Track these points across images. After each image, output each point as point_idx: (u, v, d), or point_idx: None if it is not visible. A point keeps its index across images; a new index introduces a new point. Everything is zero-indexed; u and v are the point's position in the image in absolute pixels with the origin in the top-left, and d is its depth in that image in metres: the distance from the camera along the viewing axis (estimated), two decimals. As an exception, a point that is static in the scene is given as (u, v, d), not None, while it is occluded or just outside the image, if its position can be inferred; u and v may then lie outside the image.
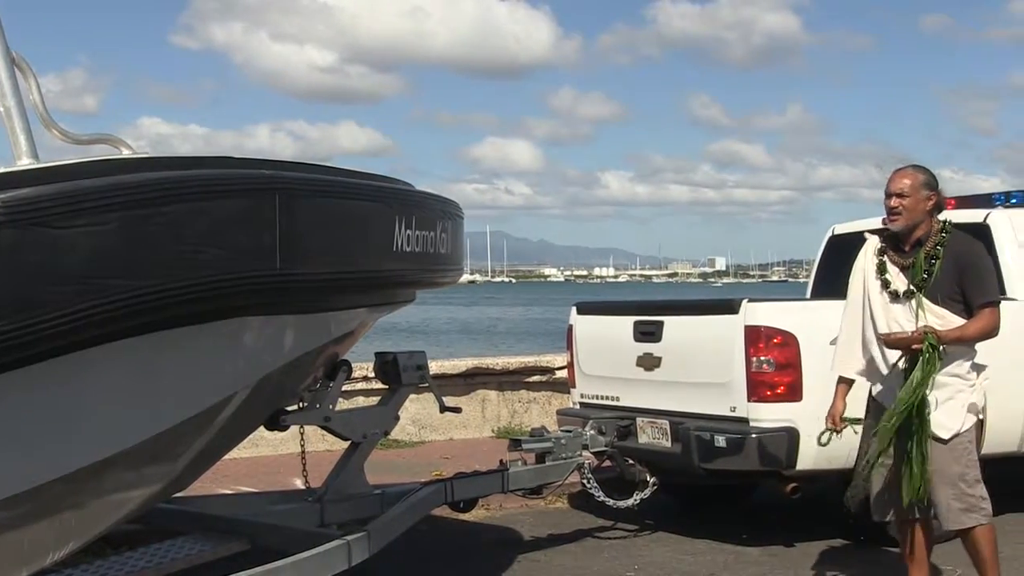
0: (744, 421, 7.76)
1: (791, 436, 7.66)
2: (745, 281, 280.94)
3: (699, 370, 8.15)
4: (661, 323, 8.52)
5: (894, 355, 5.91)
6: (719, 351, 7.93)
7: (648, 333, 8.58)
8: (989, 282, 5.98)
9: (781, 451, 7.66)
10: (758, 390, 7.71)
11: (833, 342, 7.71)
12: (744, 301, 7.91)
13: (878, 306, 5.99)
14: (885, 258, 6.05)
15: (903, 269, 5.96)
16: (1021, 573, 7.10)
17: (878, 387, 6.10)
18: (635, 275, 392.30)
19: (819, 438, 6.31)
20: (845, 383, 6.23)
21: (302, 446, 7.19)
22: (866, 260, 6.13)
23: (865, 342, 6.08)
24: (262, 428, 6.43)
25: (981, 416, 6.02)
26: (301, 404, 6.56)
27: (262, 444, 11.15)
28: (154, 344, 4.67)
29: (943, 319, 5.82)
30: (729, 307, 8.00)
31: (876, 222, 9.92)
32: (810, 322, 7.88)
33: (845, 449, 7.78)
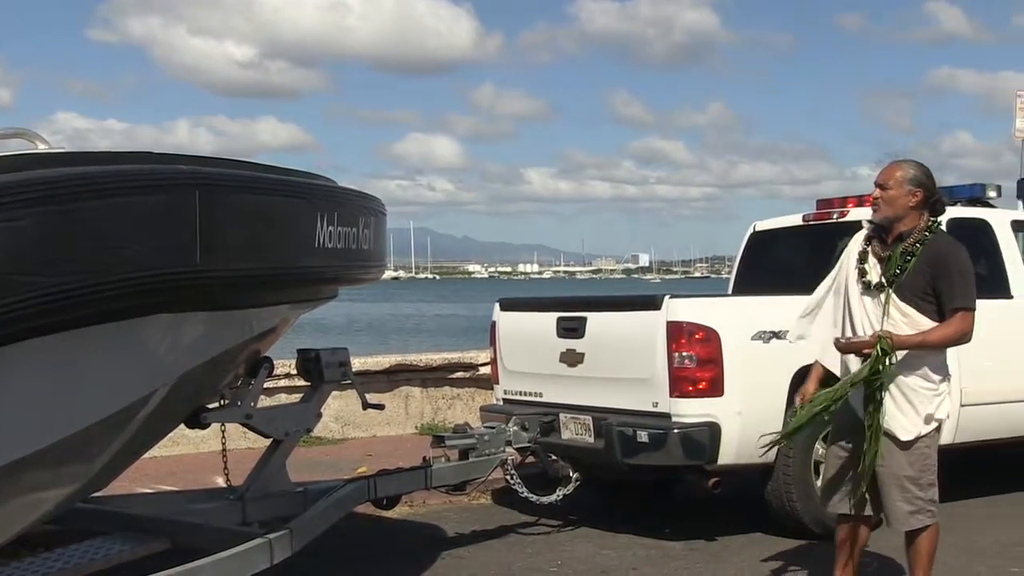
0: (666, 416, 7.81)
1: (713, 431, 7.72)
2: (684, 277, 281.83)
3: (622, 366, 8.18)
4: (584, 319, 8.55)
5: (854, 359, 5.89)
6: (641, 347, 7.97)
7: (571, 329, 8.61)
8: (964, 287, 5.80)
9: (703, 446, 7.72)
10: (680, 385, 7.76)
11: (758, 336, 7.82)
12: (666, 297, 7.96)
13: (854, 295, 5.93)
14: (868, 247, 5.97)
15: (881, 261, 5.88)
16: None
17: (855, 394, 5.96)
18: (560, 271, 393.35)
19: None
20: (821, 367, 6.19)
21: (223, 444, 7.13)
22: (853, 247, 6.05)
23: (842, 330, 6.01)
24: (183, 426, 6.36)
25: (944, 419, 5.92)
26: (222, 401, 6.50)
27: (183, 442, 11.05)
28: (71, 342, 4.60)
29: (908, 317, 5.76)
30: (651, 303, 8.04)
31: (797, 219, 10.08)
32: (732, 318, 7.96)
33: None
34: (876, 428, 5.74)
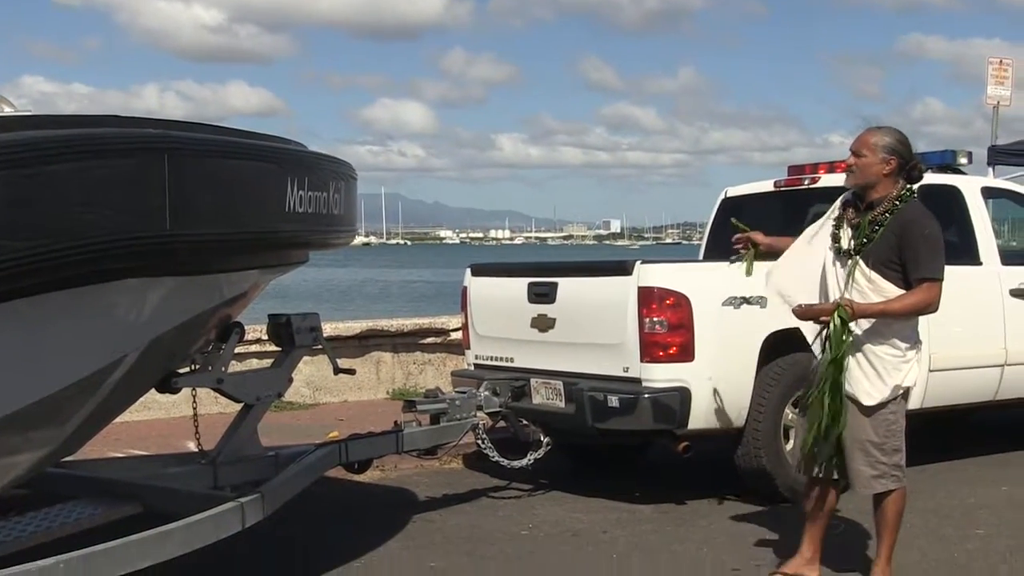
0: (637, 381, 7.84)
1: (683, 396, 7.76)
2: (655, 243, 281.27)
3: (593, 331, 8.20)
4: (555, 284, 8.56)
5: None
6: (612, 312, 7.99)
7: (542, 295, 8.62)
8: (930, 258, 5.79)
9: (673, 411, 7.76)
10: (651, 351, 7.79)
11: (729, 302, 7.85)
12: (637, 263, 7.98)
13: (828, 259, 5.96)
14: (843, 213, 5.99)
15: (852, 228, 5.89)
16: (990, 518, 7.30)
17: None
18: (531, 237, 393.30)
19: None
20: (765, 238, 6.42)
21: (194, 409, 7.12)
22: (831, 211, 6.08)
23: (820, 293, 6.01)
24: (154, 391, 6.35)
25: (911, 385, 5.94)
26: (193, 367, 6.48)
27: (154, 407, 11.03)
28: (39, 307, 4.58)
29: (874, 284, 5.77)
30: (622, 268, 8.06)
31: (768, 185, 10.10)
32: (702, 283, 7.98)
33: (736, 409, 7.94)
34: (831, 394, 5.77)
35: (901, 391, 5.90)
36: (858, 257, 5.82)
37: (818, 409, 5.81)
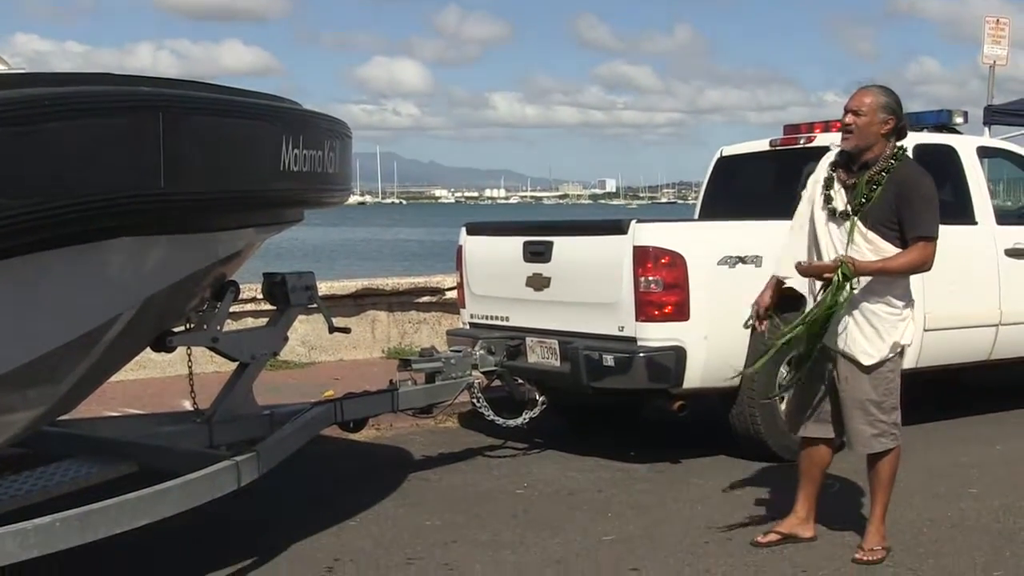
0: (632, 340, 7.85)
1: (678, 355, 7.77)
2: (651, 203, 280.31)
3: (588, 290, 8.20)
4: (551, 243, 8.55)
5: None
6: (608, 271, 7.99)
7: (537, 253, 8.61)
8: (927, 216, 5.81)
9: (668, 370, 7.77)
10: (646, 310, 7.79)
11: (724, 261, 7.84)
12: (632, 222, 7.96)
13: (819, 221, 5.94)
14: (834, 174, 5.96)
15: (847, 189, 5.88)
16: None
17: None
18: (526, 197, 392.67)
19: (744, 322, 6.26)
20: (777, 280, 6.19)
21: (190, 367, 7.12)
22: (820, 173, 6.05)
23: (811, 255, 6.02)
24: (149, 350, 6.35)
25: (907, 344, 5.97)
26: (188, 325, 6.48)
27: (149, 366, 11.04)
28: (34, 265, 4.57)
29: (872, 244, 5.78)
30: (617, 227, 8.04)
31: (763, 144, 10.09)
32: (698, 242, 7.98)
33: (731, 368, 7.94)
34: (806, 327, 5.82)
35: (899, 349, 5.92)
36: (856, 217, 5.82)
37: (824, 368, 5.86)
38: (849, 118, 5.89)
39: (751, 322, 6.22)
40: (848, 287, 5.71)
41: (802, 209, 6.16)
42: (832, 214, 5.91)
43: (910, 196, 5.79)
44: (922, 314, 8.53)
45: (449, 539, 6.44)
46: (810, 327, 5.84)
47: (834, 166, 6.01)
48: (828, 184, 5.97)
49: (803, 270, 5.90)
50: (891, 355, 5.90)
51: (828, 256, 5.87)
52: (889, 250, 5.80)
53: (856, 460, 6.40)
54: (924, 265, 5.86)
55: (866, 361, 5.84)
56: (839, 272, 5.69)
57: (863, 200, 5.81)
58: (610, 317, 7.99)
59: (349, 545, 6.33)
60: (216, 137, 5.21)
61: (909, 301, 5.95)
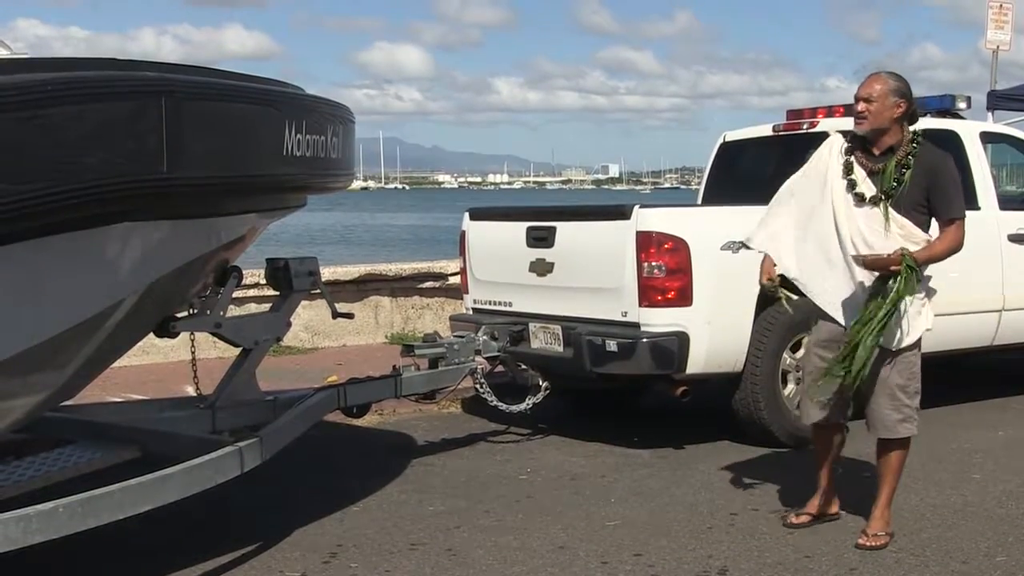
0: (635, 326, 7.84)
1: (681, 340, 7.77)
2: (654, 188, 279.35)
3: (591, 275, 8.20)
4: (554, 229, 8.54)
5: (862, 273, 5.82)
6: (611, 257, 7.98)
7: (541, 239, 8.61)
8: (957, 197, 5.89)
9: (672, 355, 7.76)
10: (649, 295, 7.79)
11: (727, 246, 7.82)
12: (636, 207, 7.95)
13: (842, 209, 5.89)
14: (852, 159, 5.94)
15: (871, 174, 5.86)
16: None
17: (832, 303, 5.98)
18: (529, 182, 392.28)
19: (762, 284, 6.23)
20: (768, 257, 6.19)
21: (193, 353, 7.13)
22: (831, 159, 5.99)
23: (820, 240, 5.96)
24: (152, 335, 6.35)
25: (929, 328, 5.98)
26: (192, 311, 6.48)
27: (152, 352, 11.05)
28: (37, 250, 4.57)
29: (904, 228, 5.77)
30: (621, 213, 8.04)
31: (767, 129, 10.07)
32: (701, 228, 7.97)
33: (734, 353, 7.95)
34: (870, 340, 5.72)
35: (920, 333, 5.95)
36: (887, 203, 5.80)
37: (861, 353, 5.73)
38: (861, 105, 5.88)
39: (768, 287, 6.18)
40: (916, 276, 5.69)
41: (800, 188, 6.10)
42: (860, 199, 5.86)
43: (940, 180, 5.85)
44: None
45: (452, 524, 6.45)
46: (883, 321, 5.77)
47: (850, 151, 5.98)
48: (848, 170, 5.94)
49: (868, 262, 5.75)
50: (916, 340, 5.92)
51: (852, 243, 5.82)
52: (918, 234, 5.81)
53: (859, 444, 6.39)
54: (960, 246, 5.90)
55: (897, 346, 5.85)
56: (905, 264, 5.64)
57: (895, 184, 5.80)
58: (613, 302, 7.98)
59: (352, 530, 6.34)
60: (219, 122, 5.20)
61: (928, 287, 5.96)
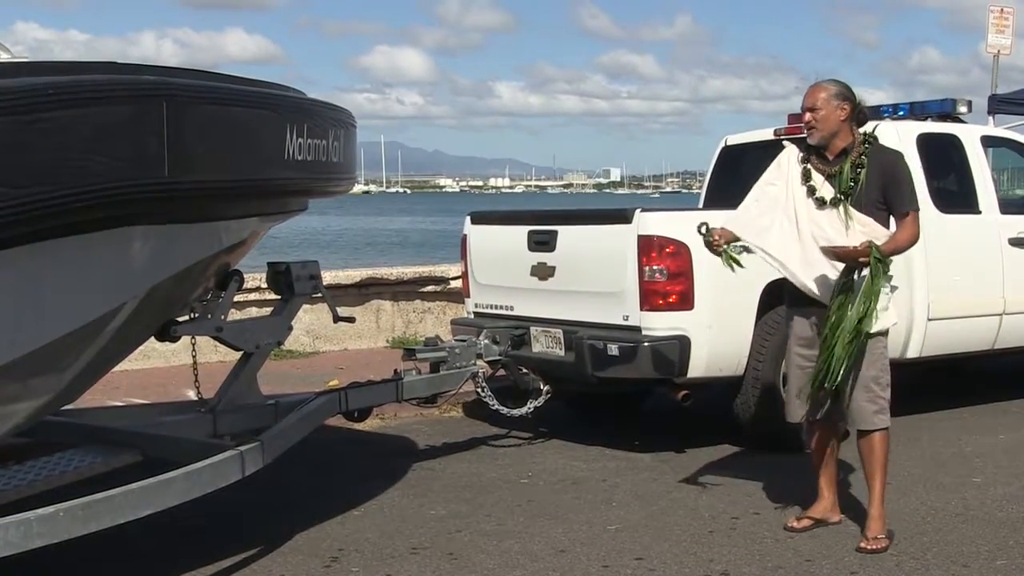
0: (637, 330, 7.84)
1: (683, 344, 7.76)
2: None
3: (592, 279, 8.20)
4: (555, 232, 8.54)
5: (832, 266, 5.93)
6: (612, 260, 7.98)
7: (542, 243, 8.61)
8: (910, 191, 6.06)
9: (673, 359, 7.76)
10: (650, 299, 7.79)
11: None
12: (637, 211, 7.96)
13: (804, 213, 6.02)
14: (809, 166, 6.10)
15: (828, 177, 6.02)
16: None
17: (810, 284, 6.04)
18: (531, 186, 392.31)
19: (698, 228, 6.27)
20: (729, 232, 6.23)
21: (194, 357, 7.12)
22: (789, 168, 6.15)
23: (799, 240, 6.04)
24: (153, 339, 6.35)
25: (895, 323, 6.11)
26: (193, 315, 6.48)
27: (153, 356, 11.05)
28: (38, 254, 4.57)
29: (867, 226, 5.91)
30: (622, 217, 8.04)
31: (768, 133, 10.07)
32: (703, 231, 7.96)
33: (736, 357, 7.95)
34: (853, 333, 5.81)
35: (888, 325, 6.02)
36: (848, 202, 5.94)
37: (839, 348, 5.82)
38: (807, 116, 6.09)
39: (706, 229, 6.23)
40: (883, 268, 5.82)
41: (774, 193, 6.18)
42: (821, 203, 6.01)
43: (894, 175, 6.03)
44: (926, 303, 8.57)
45: (454, 528, 6.45)
46: (862, 318, 5.83)
47: (805, 159, 6.14)
48: (806, 176, 6.10)
49: (838, 253, 5.86)
50: (884, 329, 5.98)
51: (818, 243, 5.92)
52: (880, 230, 5.94)
53: (854, 449, 6.38)
54: (917, 237, 6.08)
55: (873, 329, 5.87)
56: (872, 256, 5.76)
57: (851, 184, 5.96)
58: (615, 306, 7.98)
59: (354, 535, 6.34)
60: (220, 126, 5.20)
61: (892, 283, 6.02)
